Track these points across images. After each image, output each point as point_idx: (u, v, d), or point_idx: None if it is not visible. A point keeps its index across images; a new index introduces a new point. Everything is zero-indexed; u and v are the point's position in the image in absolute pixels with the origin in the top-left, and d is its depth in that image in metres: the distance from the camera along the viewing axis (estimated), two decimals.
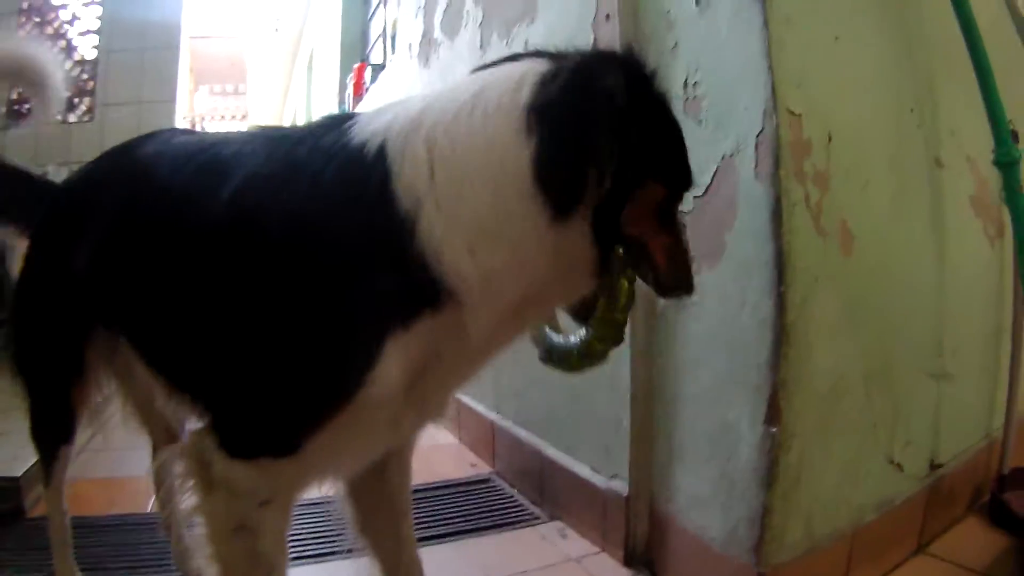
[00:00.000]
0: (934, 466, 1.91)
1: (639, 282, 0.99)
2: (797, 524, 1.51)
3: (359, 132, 0.98)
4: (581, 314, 1.03)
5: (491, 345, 1.03)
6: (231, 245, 1.01)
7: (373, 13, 6.08)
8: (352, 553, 1.35)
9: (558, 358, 1.05)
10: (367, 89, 5.02)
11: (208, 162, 1.11)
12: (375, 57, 5.24)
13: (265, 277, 0.97)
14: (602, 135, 0.90)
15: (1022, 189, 1.73)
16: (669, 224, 1.00)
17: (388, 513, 1.30)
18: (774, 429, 1.43)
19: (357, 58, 5.93)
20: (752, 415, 1.47)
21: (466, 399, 2.89)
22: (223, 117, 15.05)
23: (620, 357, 1.74)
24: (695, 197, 1.58)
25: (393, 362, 0.92)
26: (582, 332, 1.02)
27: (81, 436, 2.63)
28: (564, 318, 1.08)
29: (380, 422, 0.98)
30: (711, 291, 1.55)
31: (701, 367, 1.61)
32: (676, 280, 1.02)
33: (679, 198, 1.02)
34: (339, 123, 1.02)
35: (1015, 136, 2.11)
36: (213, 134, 1.28)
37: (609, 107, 0.90)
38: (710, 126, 1.55)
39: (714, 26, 1.55)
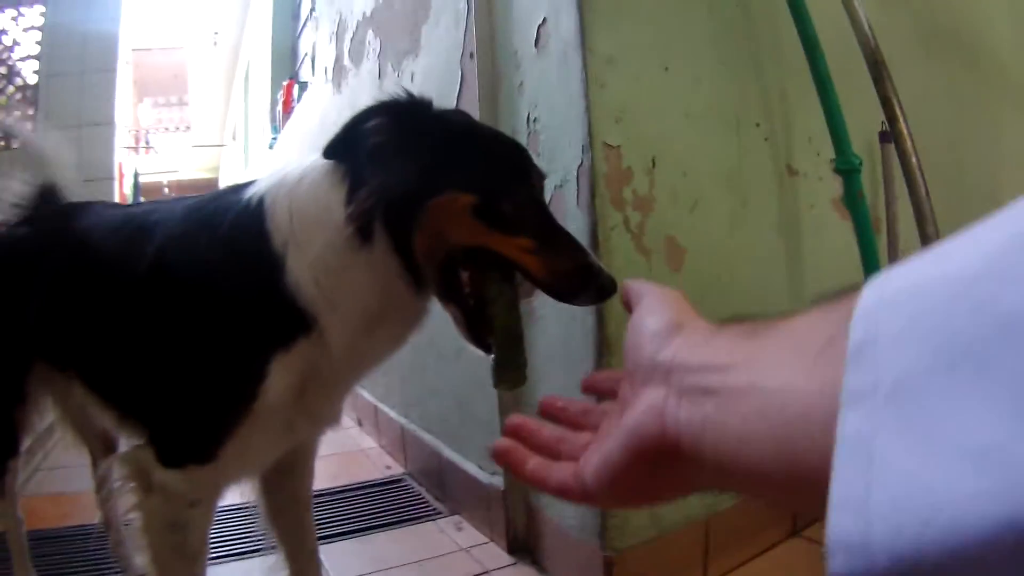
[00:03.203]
0: None
1: None
2: (641, 513, 1.67)
3: (249, 191, 1.19)
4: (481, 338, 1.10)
5: (357, 361, 1.22)
6: (152, 296, 1.21)
7: (301, 31, 6.10)
8: (265, 552, 1.60)
9: (493, 379, 1.08)
10: (294, 107, 5.12)
11: (135, 230, 1.31)
12: (304, 74, 5.30)
13: (175, 319, 1.18)
14: (361, 166, 1.09)
15: (862, 195, 1.88)
16: (512, 227, 1.05)
17: (292, 507, 1.52)
18: None
19: (287, 74, 5.97)
20: None
21: (383, 407, 3.05)
22: (167, 129, 14.99)
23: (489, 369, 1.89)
24: None
25: (279, 377, 1.12)
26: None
27: (34, 458, 2.79)
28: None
29: (276, 428, 1.18)
30: (553, 308, 1.71)
31: (550, 375, 1.77)
32: (557, 281, 1.05)
33: (499, 202, 1.04)
34: (241, 187, 1.24)
35: (887, 136, 2.26)
36: (138, 205, 1.48)
37: (366, 144, 1.08)
38: (545, 160, 1.70)
39: (547, 68, 1.71)
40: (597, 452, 0.45)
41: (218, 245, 1.16)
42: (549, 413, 0.59)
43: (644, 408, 0.42)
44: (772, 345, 0.36)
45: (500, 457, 0.53)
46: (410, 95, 1.11)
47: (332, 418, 1.33)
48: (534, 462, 0.51)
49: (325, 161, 1.14)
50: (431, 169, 1.05)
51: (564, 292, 1.06)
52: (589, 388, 0.61)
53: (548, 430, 0.55)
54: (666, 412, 0.40)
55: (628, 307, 0.53)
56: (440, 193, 1.04)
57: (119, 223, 1.39)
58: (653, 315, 0.47)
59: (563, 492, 0.48)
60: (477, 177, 1.06)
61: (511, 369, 1.06)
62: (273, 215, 1.13)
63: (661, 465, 0.41)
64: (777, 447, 0.32)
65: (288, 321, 1.11)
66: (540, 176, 1.14)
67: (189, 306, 1.17)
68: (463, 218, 1.04)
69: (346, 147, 1.11)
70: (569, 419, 0.57)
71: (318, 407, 1.24)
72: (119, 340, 1.28)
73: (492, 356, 1.07)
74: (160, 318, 1.20)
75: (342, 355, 1.15)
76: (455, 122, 1.16)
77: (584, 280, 1.05)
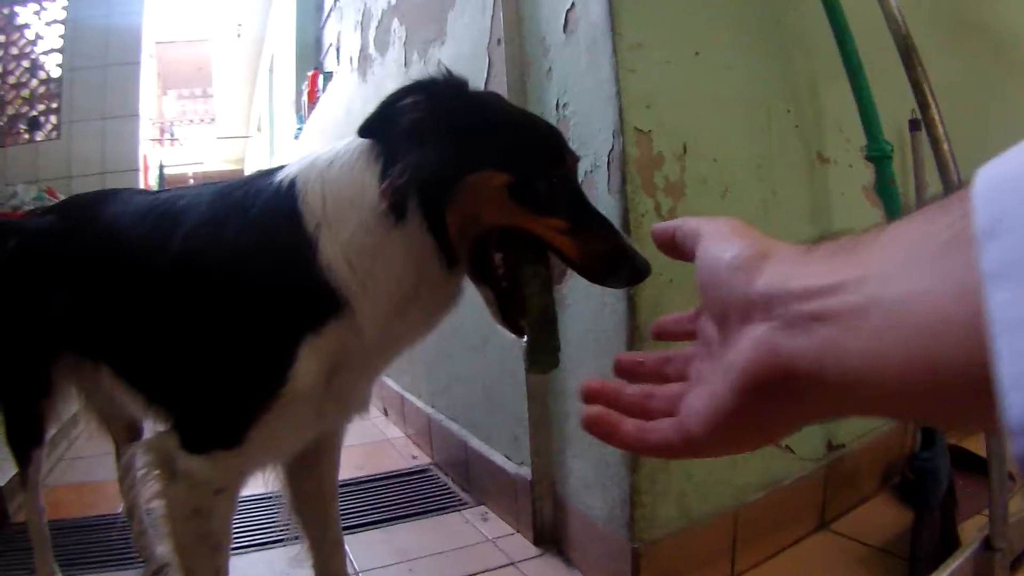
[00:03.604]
0: (833, 447, 2.05)
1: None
2: (669, 503, 1.66)
3: (279, 175, 1.19)
4: (513, 321, 1.09)
5: (390, 344, 1.21)
6: (183, 282, 1.21)
7: (325, 21, 6.02)
8: (288, 541, 1.58)
9: (526, 362, 1.08)
10: (319, 97, 5.11)
11: (162, 216, 1.31)
12: (329, 64, 5.29)
13: (206, 304, 1.17)
14: (396, 143, 1.08)
15: (893, 182, 1.84)
16: (546, 207, 1.04)
17: (318, 497, 1.51)
18: None
19: (311, 65, 5.96)
20: None
21: (409, 396, 3.04)
22: (191, 121, 15.06)
23: (518, 357, 1.88)
24: None
25: (308, 362, 1.11)
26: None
27: (58, 447, 2.81)
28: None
29: (305, 414, 1.17)
30: (584, 295, 1.69)
31: (581, 363, 1.75)
32: (591, 262, 1.04)
33: (534, 182, 1.04)
34: (270, 171, 1.23)
35: (917, 124, 2.22)
36: (164, 192, 1.48)
37: (402, 122, 1.08)
38: (575, 145, 1.66)
39: (577, 54, 1.69)
40: (701, 398, 0.44)
41: (249, 228, 1.16)
42: (627, 370, 0.56)
43: (751, 344, 0.40)
44: (883, 255, 0.34)
45: (593, 426, 0.50)
46: (448, 74, 1.10)
47: (360, 404, 1.32)
48: (629, 424, 0.48)
49: (358, 142, 1.14)
50: (467, 147, 1.05)
51: (598, 273, 1.05)
52: (661, 334, 0.58)
53: (632, 389, 0.52)
54: (777, 345, 0.38)
55: (673, 247, 0.51)
56: (475, 171, 1.03)
57: (147, 209, 1.37)
58: (728, 247, 0.45)
59: (667, 450, 0.46)
60: (512, 157, 1.06)
61: (545, 352, 1.06)
62: (305, 197, 1.13)
63: (777, 399, 0.40)
64: (911, 357, 0.31)
65: (319, 304, 1.11)
66: (574, 158, 1.13)
67: (219, 289, 1.16)
68: (498, 197, 1.03)
69: (381, 125, 1.10)
70: (649, 373, 0.54)
71: (347, 392, 1.23)
72: (148, 325, 1.27)
73: (525, 339, 1.06)
74: (189, 302, 1.19)
75: (374, 338, 1.13)
76: (491, 103, 1.15)
77: (618, 262, 1.04)
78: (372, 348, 1.16)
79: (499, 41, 1.97)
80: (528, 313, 1.05)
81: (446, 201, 1.04)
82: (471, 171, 1.04)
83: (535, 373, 1.11)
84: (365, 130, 1.11)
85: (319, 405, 1.18)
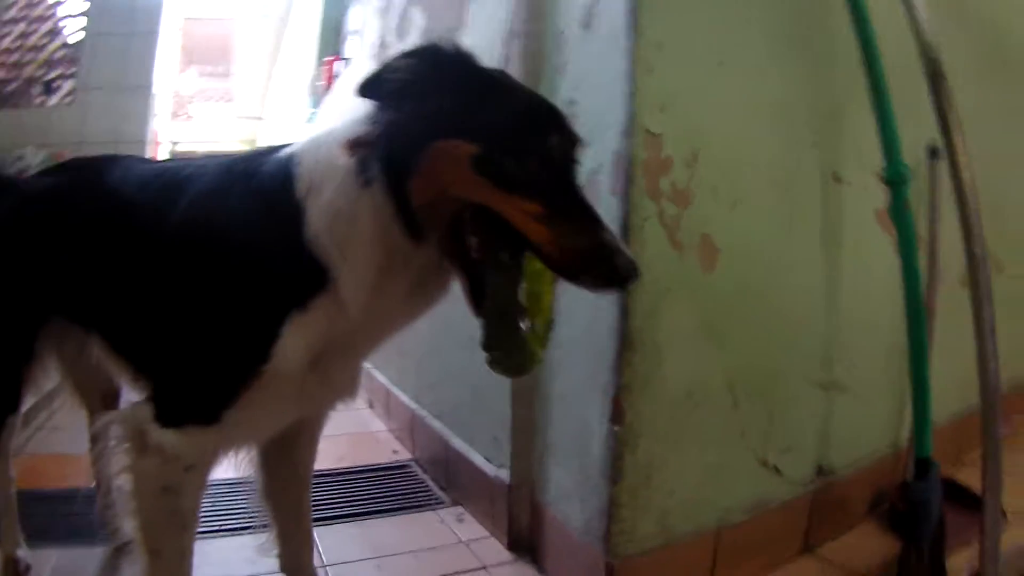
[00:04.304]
0: (822, 472, 1.99)
1: None
2: (649, 519, 1.61)
3: (284, 148, 1.17)
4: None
5: (375, 323, 1.17)
6: (180, 250, 1.19)
7: (349, 7, 5.99)
8: (258, 529, 1.55)
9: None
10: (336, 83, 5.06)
11: (166, 184, 1.29)
12: (350, 51, 5.26)
13: (198, 273, 1.15)
14: (382, 104, 1.05)
15: (908, 206, 1.79)
16: (517, 187, 0.96)
17: (292, 484, 1.48)
18: (617, 428, 1.53)
19: (332, 51, 5.94)
20: (601, 415, 1.57)
21: (396, 390, 2.99)
22: (210, 98, 15.02)
23: None
24: None
25: (294, 339, 1.08)
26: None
27: (39, 415, 2.77)
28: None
29: (286, 395, 1.14)
30: (578, 298, 1.63)
31: (570, 368, 1.71)
32: (563, 254, 0.94)
33: (502, 156, 0.97)
34: (278, 146, 1.21)
35: (936, 152, 2.17)
36: (170, 161, 1.45)
37: (386, 83, 1.03)
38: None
39: (593, 49, 1.65)
40: None
41: (247, 198, 1.14)
42: None
43: None
44: None
45: None
46: (455, 45, 1.05)
47: (347, 388, 1.29)
48: None
49: (359, 112, 1.10)
50: (442, 114, 1.00)
51: (569, 269, 0.95)
52: None
53: None
54: None
55: None
56: (441, 139, 0.99)
57: (151, 176, 1.36)
58: None
59: None
60: (485, 127, 0.98)
61: (508, 355, 0.99)
62: (301, 163, 1.11)
63: None
64: None
65: (306, 277, 1.08)
66: (570, 139, 1.03)
67: (210, 259, 1.14)
68: (461, 168, 0.97)
69: (377, 87, 1.05)
70: None
71: (332, 375, 1.19)
72: (142, 292, 1.25)
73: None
74: (183, 270, 1.17)
75: (357, 314, 1.09)
76: (487, 76, 1.08)
77: (595, 259, 0.94)
78: (357, 327, 1.12)
79: (516, 34, 1.92)
80: (483, 308, 0.98)
81: (409, 168, 1.00)
82: (437, 138, 0.98)
83: (499, 373, 1.05)
84: (361, 88, 1.05)
85: (302, 387, 1.14)
